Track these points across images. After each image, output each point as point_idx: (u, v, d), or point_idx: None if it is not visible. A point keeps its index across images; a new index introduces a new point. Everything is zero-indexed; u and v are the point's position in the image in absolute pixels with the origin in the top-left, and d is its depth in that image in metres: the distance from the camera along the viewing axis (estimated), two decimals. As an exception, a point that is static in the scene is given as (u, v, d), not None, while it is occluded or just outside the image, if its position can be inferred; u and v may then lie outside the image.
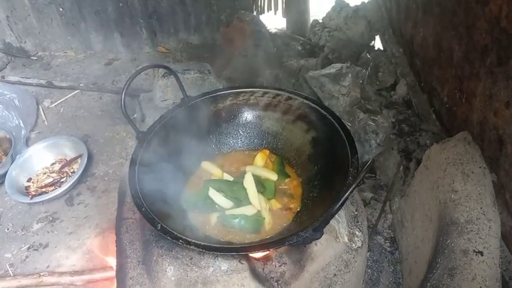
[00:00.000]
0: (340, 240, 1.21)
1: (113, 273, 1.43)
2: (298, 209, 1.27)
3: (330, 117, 1.30)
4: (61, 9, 2.89)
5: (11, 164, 1.97)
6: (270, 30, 3.19)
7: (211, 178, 1.37)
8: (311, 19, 3.33)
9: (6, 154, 2.03)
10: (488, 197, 1.31)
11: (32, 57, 3.09)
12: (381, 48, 2.85)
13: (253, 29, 2.84)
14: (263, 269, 1.15)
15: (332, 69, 2.34)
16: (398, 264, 1.63)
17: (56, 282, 1.43)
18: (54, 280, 1.43)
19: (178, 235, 1.02)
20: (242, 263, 1.12)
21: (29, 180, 1.97)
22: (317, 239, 1.00)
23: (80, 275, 1.43)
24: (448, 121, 1.93)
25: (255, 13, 3.21)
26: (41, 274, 1.46)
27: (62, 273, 1.46)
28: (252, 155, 1.45)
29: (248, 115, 1.50)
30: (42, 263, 1.60)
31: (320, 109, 1.35)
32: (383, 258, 1.66)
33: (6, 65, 2.99)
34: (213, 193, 1.27)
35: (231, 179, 1.35)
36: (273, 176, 1.35)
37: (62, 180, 1.95)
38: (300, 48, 3.07)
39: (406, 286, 1.53)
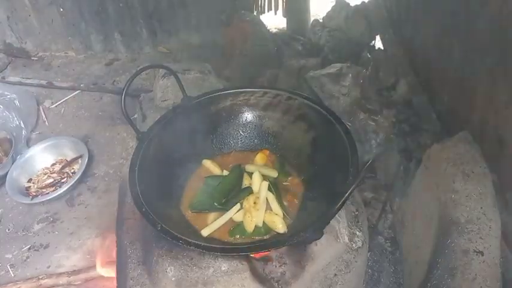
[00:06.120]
0: (340, 241, 1.21)
1: (109, 270, 1.43)
2: (299, 208, 1.27)
3: (330, 117, 1.30)
4: (61, 10, 2.89)
5: (12, 164, 1.97)
6: (270, 30, 3.19)
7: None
8: (311, 19, 3.33)
9: (6, 155, 2.03)
10: (488, 196, 1.31)
11: (32, 58, 3.09)
12: (381, 47, 2.85)
13: (254, 29, 2.84)
14: (263, 269, 1.15)
15: (332, 69, 2.33)
16: (399, 264, 1.63)
17: (54, 284, 1.43)
18: (53, 282, 1.43)
19: (179, 235, 1.02)
20: (242, 264, 1.12)
21: (30, 180, 1.98)
22: (317, 239, 1.00)
23: (77, 274, 1.44)
24: (449, 121, 1.92)
25: (255, 13, 3.21)
26: (40, 277, 1.46)
27: (59, 275, 1.46)
28: (252, 155, 1.45)
29: (248, 115, 1.50)
30: (43, 263, 1.60)
31: (320, 109, 1.35)
32: (384, 258, 1.66)
33: (7, 65, 2.99)
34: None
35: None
36: (273, 173, 1.35)
37: (63, 180, 1.95)
38: (300, 48, 3.06)
39: (407, 286, 1.53)
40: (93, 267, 1.47)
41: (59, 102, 2.59)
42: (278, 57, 2.85)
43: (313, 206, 1.22)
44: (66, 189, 1.84)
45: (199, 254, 1.14)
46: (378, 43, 2.93)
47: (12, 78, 2.76)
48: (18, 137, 2.14)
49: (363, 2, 2.98)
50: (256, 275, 1.12)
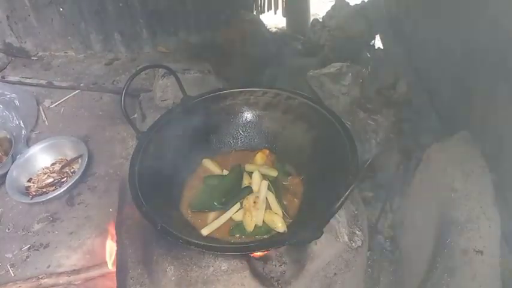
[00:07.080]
0: (340, 240, 1.21)
1: (109, 270, 1.43)
2: (299, 207, 1.27)
3: (330, 116, 1.30)
4: (61, 9, 2.88)
5: (12, 164, 1.97)
6: (270, 30, 3.19)
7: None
8: (311, 18, 3.33)
9: (6, 154, 2.03)
10: (488, 196, 1.31)
11: (32, 58, 3.08)
12: (381, 47, 2.85)
13: (253, 29, 2.84)
14: (263, 269, 1.16)
15: (332, 68, 2.33)
16: (398, 264, 1.63)
17: (54, 284, 1.43)
18: (53, 282, 1.43)
19: (179, 235, 1.02)
20: (242, 263, 1.12)
21: (30, 180, 1.98)
22: (317, 238, 1.00)
23: (77, 274, 1.44)
24: (448, 120, 1.92)
25: (255, 12, 3.21)
26: (40, 277, 1.47)
27: (59, 274, 1.46)
28: (252, 154, 1.45)
29: (248, 115, 1.50)
30: (43, 263, 1.60)
31: (320, 108, 1.35)
32: (383, 258, 1.66)
33: (7, 65, 2.99)
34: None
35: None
36: (273, 173, 1.35)
37: (63, 180, 1.95)
38: (300, 47, 3.06)
39: (407, 286, 1.53)
40: (93, 266, 1.47)
41: (59, 102, 2.59)
42: (278, 56, 2.84)
43: (313, 206, 1.22)
44: (66, 189, 1.84)
45: (199, 254, 1.14)
46: (378, 42, 2.93)
47: (12, 78, 2.75)
48: (18, 136, 2.14)
49: (363, 2, 2.98)
50: (256, 274, 1.13)
